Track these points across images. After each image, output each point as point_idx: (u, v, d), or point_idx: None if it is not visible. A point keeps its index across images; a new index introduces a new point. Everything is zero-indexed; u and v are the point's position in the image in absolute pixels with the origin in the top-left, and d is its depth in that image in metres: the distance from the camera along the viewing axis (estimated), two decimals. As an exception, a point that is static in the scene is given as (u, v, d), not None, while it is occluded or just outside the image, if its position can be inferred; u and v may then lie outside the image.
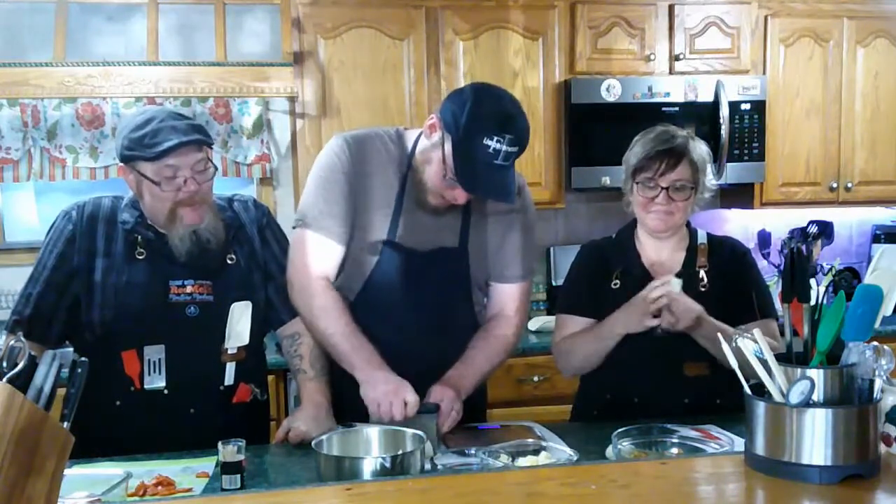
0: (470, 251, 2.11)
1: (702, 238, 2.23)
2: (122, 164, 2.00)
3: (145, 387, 2.00)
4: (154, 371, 2.00)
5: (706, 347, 2.05)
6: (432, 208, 2.04)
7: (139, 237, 2.03)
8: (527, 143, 1.94)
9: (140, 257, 2.02)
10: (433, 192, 2.01)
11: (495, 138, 1.86)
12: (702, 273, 2.16)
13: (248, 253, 2.12)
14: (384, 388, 1.91)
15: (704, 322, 2.04)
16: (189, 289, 2.03)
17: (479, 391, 2.22)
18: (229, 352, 2.06)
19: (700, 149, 2.15)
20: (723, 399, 2.11)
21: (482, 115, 1.88)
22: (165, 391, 2.01)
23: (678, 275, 2.12)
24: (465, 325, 2.16)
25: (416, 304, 2.08)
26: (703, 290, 2.13)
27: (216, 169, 2.05)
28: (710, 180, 2.18)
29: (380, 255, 2.07)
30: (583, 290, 2.24)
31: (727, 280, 2.16)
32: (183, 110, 3.39)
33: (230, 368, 2.07)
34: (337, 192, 2.04)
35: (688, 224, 2.23)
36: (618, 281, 2.19)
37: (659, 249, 2.20)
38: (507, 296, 2.18)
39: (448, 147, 1.92)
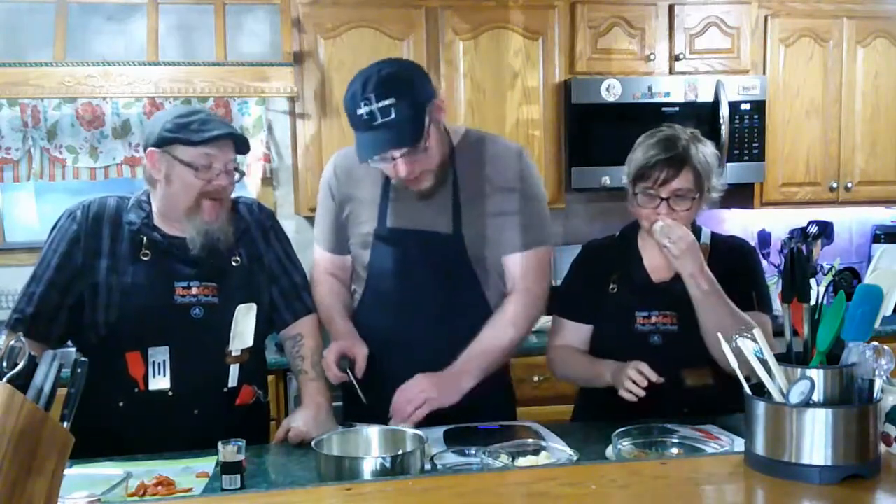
0: (466, 235, 2.11)
1: (705, 238, 2.19)
2: (153, 149, 1.99)
3: (149, 388, 2.00)
4: (158, 372, 2.00)
5: (704, 338, 2.01)
6: (416, 195, 2.09)
7: (145, 238, 2.02)
8: (403, 87, 1.94)
9: (145, 258, 2.02)
10: (395, 180, 2.07)
11: (362, 104, 1.94)
12: None
13: (253, 255, 2.13)
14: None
15: (706, 274, 1.98)
16: (195, 290, 2.03)
17: (506, 391, 2.29)
18: (233, 354, 2.06)
19: (704, 151, 2.08)
20: (723, 410, 2.08)
21: (350, 92, 1.99)
22: (170, 393, 2.01)
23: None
24: (475, 310, 2.14)
25: (416, 291, 2.12)
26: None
27: (242, 174, 2.08)
28: (719, 180, 2.13)
29: (372, 247, 2.14)
30: (580, 294, 2.22)
31: (729, 281, 2.10)
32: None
33: (234, 370, 2.07)
34: (325, 210, 2.25)
35: (693, 222, 2.19)
36: (615, 286, 2.17)
37: (661, 251, 2.16)
38: (517, 267, 2.15)
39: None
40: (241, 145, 2.04)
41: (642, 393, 1.96)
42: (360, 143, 1.99)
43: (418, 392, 1.99)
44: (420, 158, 1.99)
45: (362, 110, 1.93)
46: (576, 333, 2.21)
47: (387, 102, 1.92)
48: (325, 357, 2.08)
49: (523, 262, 2.14)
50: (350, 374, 2.05)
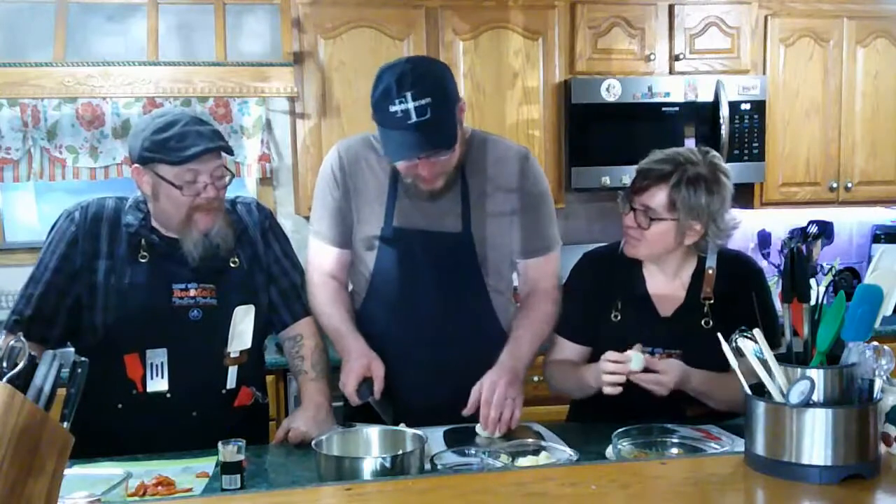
0: (475, 234, 2.11)
1: (711, 261, 2.08)
2: (137, 166, 1.97)
3: (147, 390, 2.00)
4: (156, 375, 2.00)
5: (700, 399, 1.99)
6: (426, 194, 2.07)
7: (143, 240, 2.02)
8: (439, 87, 1.90)
9: (143, 260, 2.01)
10: (409, 178, 2.03)
11: (397, 101, 1.88)
12: (706, 307, 2.05)
13: (252, 256, 2.12)
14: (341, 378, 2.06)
15: (691, 378, 1.94)
16: (192, 292, 2.02)
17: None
18: (232, 355, 2.06)
19: (700, 186, 1.96)
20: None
21: (381, 87, 1.92)
22: (168, 395, 2.01)
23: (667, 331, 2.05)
24: (480, 311, 2.14)
25: (422, 291, 2.11)
26: (704, 325, 2.04)
27: (233, 176, 2.04)
28: (726, 224, 2.03)
29: (377, 248, 2.12)
30: (580, 315, 2.15)
31: (733, 307, 1.99)
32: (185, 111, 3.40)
33: (232, 372, 2.07)
34: (329, 199, 2.15)
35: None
36: (618, 314, 2.10)
37: (662, 272, 2.10)
38: (538, 270, 2.18)
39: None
40: (227, 150, 2.01)
41: (622, 379, 1.91)
42: (392, 142, 1.94)
43: (503, 396, 1.96)
44: (444, 160, 1.98)
45: (396, 107, 1.87)
46: (574, 353, 2.16)
47: (423, 102, 1.87)
48: (344, 384, 2.03)
49: (543, 265, 2.19)
50: (373, 401, 2.02)
